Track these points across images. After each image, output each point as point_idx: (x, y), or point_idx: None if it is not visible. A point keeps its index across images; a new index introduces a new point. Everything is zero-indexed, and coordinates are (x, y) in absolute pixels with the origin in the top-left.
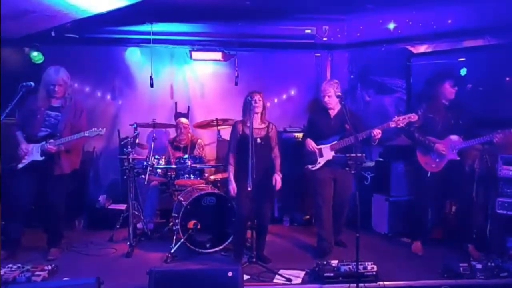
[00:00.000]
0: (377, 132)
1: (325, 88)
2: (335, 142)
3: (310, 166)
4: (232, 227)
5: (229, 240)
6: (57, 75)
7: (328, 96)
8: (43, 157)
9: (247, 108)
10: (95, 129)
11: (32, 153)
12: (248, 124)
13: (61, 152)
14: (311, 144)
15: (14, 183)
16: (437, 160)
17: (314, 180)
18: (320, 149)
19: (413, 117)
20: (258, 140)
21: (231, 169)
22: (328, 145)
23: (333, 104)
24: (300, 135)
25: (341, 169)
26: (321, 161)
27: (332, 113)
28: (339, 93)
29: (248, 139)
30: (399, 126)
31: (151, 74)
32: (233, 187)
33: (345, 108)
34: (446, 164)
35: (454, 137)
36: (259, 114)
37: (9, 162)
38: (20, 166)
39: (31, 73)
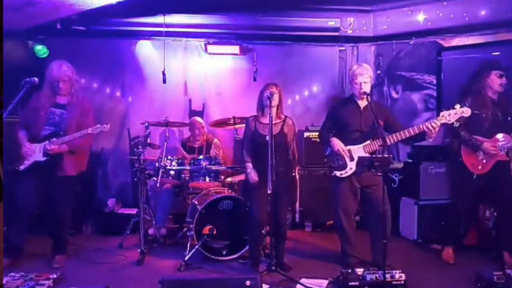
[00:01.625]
0: (434, 126)
1: (361, 72)
2: (368, 142)
3: (338, 173)
4: (249, 233)
5: (247, 247)
6: (60, 70)
7: (365, 82)
8: (46, 158)
9: (262, 102)
10: (99, 125)
11: (35, 153)
12: (262, 120)
13: (64, 153)
14: (339, 145)
15: (17, 186)
16: (484, 161)
17: (338, 188)
18: (350, 152)
19: (466, 111)
20: (267, 138)
21: (249, 165)
22: (360, 146)
23: (366, 93)
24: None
25: (371, 174)
26: (353, 166)
27: (362, 106)
28: (366, 90)
29: (262, 137)
30: (449, 123)
31: (164, 69)
32: (253, 173)
33: (372, 105)
34: (493, 165)
35: (502, 135)
36: (275, 109)
37: (11, 164)
38: (22, 167)
39: (35, 68)
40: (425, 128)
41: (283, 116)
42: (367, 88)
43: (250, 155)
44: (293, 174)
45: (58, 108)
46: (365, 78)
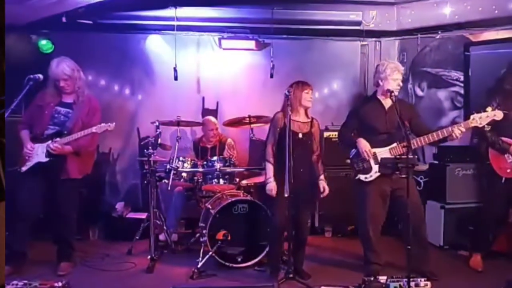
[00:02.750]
0: (459, 132)
1: (398, 67)
2: (395, 145)
3: (363, 177)
4: (267, 238)
5: (264, 253)
6: (58, 68)
7: (398, 85)
8: (49, 159)
9: (301, 101)
10: (103, 124)
11: (37, 153)
12: (294, 117)
13: (68, 154)
14: (366, 147)
15: (19, 188)
16: None
17: (364, 193)
18: (375, 154)
19: (498, 115)
20: (300, 136)
21: (270, 166)
22: (386, 149)
23: (390, 91)
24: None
25: (399, 177)
26: (378, 170)
27: (387, 105)
28: (390, 87)
29: (294, 134)
30: (480, 126)
31: (175, 66)
32: (272, 186)
33: (397, 105)
34: None
35: None
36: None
37: (13, 165)
38: (24, 169)
39: (39, 64)
40: (457, 134)
41: (310, 117)
42: (396, 87)
43: (275, 154)
44: (319, 177)
45: (63, 107)
46: (401, 74)
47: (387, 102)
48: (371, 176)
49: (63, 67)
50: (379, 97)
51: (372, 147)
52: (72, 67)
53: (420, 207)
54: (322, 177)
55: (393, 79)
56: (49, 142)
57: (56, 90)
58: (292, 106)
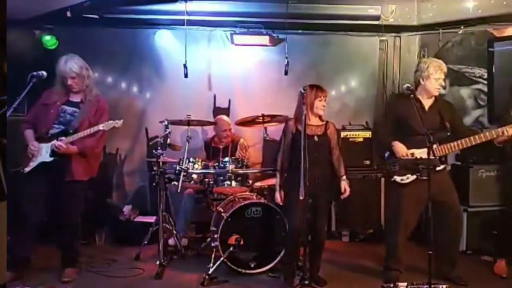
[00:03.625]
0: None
1: (440, 66)
2: (435, 146)
3: (398, 179)
4: (281, 243)
5: (278, 259)
6: (66, 66)
7: (439, 84)
8: (53, 158)
9: (313, 107)
10: (111, 121)
11: (41, 153)
12: (307, 121)
13: (72, 155)
14: (403, 150)
15: (22, 190)
16: None
17: (399, 196)
18: (413, 156)
19: None
20: (316, 138)
21: (278, 175)
22: (425, 150)
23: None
24: (361, 134)
25: (441, 178)
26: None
27: (427, 104)
28: (432, 87)
29: (309, 137)
30: None
31: (185, 62)
32: (280, 195)
33: (439, 105)
34: None
35: None
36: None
37: (16, 166)
38: (27, 169)
39: (43, 61)
40: (500, 138)
41: (325, 120)
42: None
43: (286, 161)
44: (341, 178)
45: (70, 106)
46: (443, 74)
47: (427, 101)
48: (408, 178)
49: (71, 64)
50: (419, 96)
51: (411, 147)
52: (81, 65)
53: (460, 212)
54: (344, 177)
55: (435, 79)
56: (54, 141)
57: (63, 89)
58: (301, 111)
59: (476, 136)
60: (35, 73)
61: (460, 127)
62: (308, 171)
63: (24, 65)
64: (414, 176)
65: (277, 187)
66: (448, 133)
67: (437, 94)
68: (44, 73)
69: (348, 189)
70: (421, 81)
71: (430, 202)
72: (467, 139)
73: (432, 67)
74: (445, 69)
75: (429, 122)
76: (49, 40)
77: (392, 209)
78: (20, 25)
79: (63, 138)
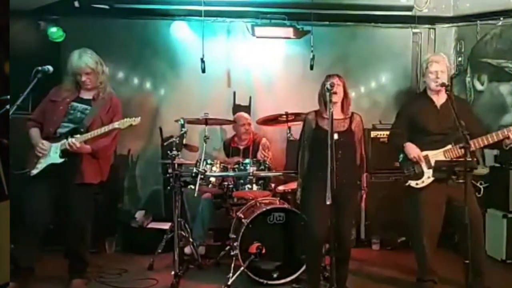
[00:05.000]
0: None
1: (436, 59)
2: (450, 147)
3: (413, 183)
4: (305, 251)
5: (303, 269)
6: (81, 60)
7: (442, 72)
8: (63, 159)
9: (325, 96)
10: (128, 119)
11: (50, 154)
12: (325, 115)
13: (83, 156)
14: (414, 151)
15: (27, 195)
16: None
17: (416, 201)
18: (427, 158)
19: None
20: (336, 136)
21: (302, 172)
22: (440, 152)
23: (442, 86)
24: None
25: (456, 183)
26: (430, 175)
27: (439, 102)
28: (444, 81)
29: (325, 134)
30: None
31: (203, 56)
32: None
33: (452, 102)
34: None
35: None
36: (339, 104)
37: (21, 168)
38: (34, 172)
39: (49, 54)
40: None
41: (349, 112)
42: (444, 78)
43: (307, 160)
44: (359, 181)
45: (81, 103)
46: (441, 66)
47: (439, 99)
48: (423, 182)
49: (86, 59)
50: (429, 94)
51: (424, 149)
52: (96, 59)
53: (479, 216)
54: (364, 185)
55: (430, 72)
56: (64, 141)
57: (74, 85)
58: (322, 104)
59: (493, 134)
60: (40, 68)
61: (474, 124)
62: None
63: (28, 59)
64: (430, 180)
65: (300, 188)
66: (466, 132)
67: (436, 89)
68: (50, 67)
69: (364, 199)
70: (426, 75)
71: (467, 208)
72: (483, 138)
73: (426, 61)
74: (443, 61)
75: (442, 122)
76: (55, 32)
77: (411, 215)
78: (24, 16)
79: (77, 135)
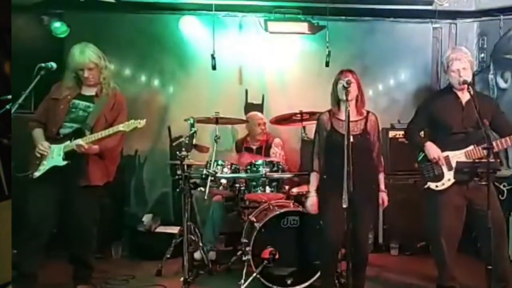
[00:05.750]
0: None
1: (457, 56)
2: (472, 147)
3: (433, 185)
4: (320, 257)
5: (317, 275)
6: (83, 56)
7: (464, 69)
8: (67, 162)
9: (337, 95)
10: (132, 121)
11: (52, 156)
12: (339, 116)
13: (89, 156)
14: (435, 151)
15: (30, 198)
16: None
17: (435, 204)
18: (448, 159)
19: None
20: (352, 139)
21: (315, 177)
22: (462, 152)
23: (466, 82)
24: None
25: (478, 185)
26: (451, 177)
27: (464, 99)
28: (466, 78)
29: (341, 137)
30: None
31: (213, 53)
32: (313, 201)
33: (475, 100)
34: None
35: None
36: (354, 102)
37: (23, 170)
38: (37, 174)
39: (52, 50)
40: None
41: (364, 112)
42: (467, 75)
43: (322, 161)
44: (375, 185)
45: (82, 100)
46: (463, 63)
47: (464, 96)
48: (443, 184)
49: (89, 54)
50: (454, 89)
51: (445, 149)
52: (99, 54)
53: (502, 220)
54: (382, 187)
55: (452, 71)
56: (68, 142)
57: (75, 81)
58: (335, 102)
59: (508, 138)
60: (43, 64)
61: (503, 124)
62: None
63: (30, 56)
64: (450, 182)
65: (312, 193)
66: (488, 132)
67: (459, 87)
68: (54, 64)
69: (386, 200)
70: (448, 73)
71: (489, 211)
72: (508, 138)
73: (447, 59)
74: (465, 57)
75: (466, 120)
76: (59, 28)
77: (430, 218)
78: (26, 11)
79: (86, 136)
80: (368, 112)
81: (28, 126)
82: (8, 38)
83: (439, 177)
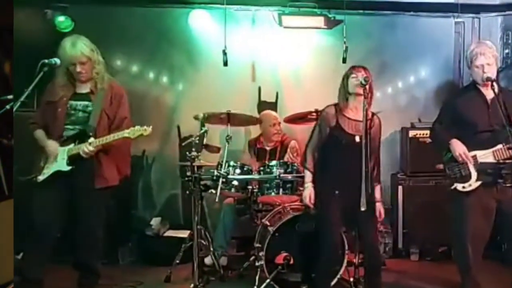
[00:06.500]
0: None
1: (482, 50)
2: (500, 146)
3: (460, 186)
4: (338, 262)
5: (335, 281)
6: (75, 49)
7: (488, 64)
8: (71, 167)
9: (348, 90)
10: (138, 127)
11: (56, 160)
12: (347, 113)
13: (101, 155)
14: (461, 148)
15: (35, 201)
16: None
17: (462, 206)
18: (475, 158)
19: None
20: (357, 139)
21: (309, 174)
22: (489, 152)
23: (490, 80)
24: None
25: (503, 187)
26: (479, 177)
27: (489, 96)
28: (490, 75)
29: (348, 136)
30: None
31: (225, 48)
32: (308, 193)
33: (499, 97)
34: None
35: None
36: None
37: (26, 172)
38: (41, 178)
39: (56, 46)
40: None
41: (370, 113)
42: (491, 72)
43: (318, 160)
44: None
45: (79, 100)
46: (488, 58)
47: (489, 92)
48: (470, 185)
49: (81, 46)
50: (478, 86)
51: (472, 149)
52: (91, 47)
53: None
54: (378, 197)
55: (476, 66)
56: (71, 145)
57: (68, 79)
58: (343, 98)
59: None
60: (46, 60)
61: None
62: (347, 180)
63: (33, 51)
64: (478, 183)
65: (308, 184)
66: None
67: (483, 83)
68: (58, 60)
69: (382, 212)
70: (472, 68)
71: None
72: None
73: (470, 54)
74: (490, 51)
75: (493, 117)
76: (63, 22)
77: (456, 222)
78: (29, 4)
79: (92, 139)
80: (373, 114)
81: (29, 128)
82: (8, 37)
83: (466, 178)
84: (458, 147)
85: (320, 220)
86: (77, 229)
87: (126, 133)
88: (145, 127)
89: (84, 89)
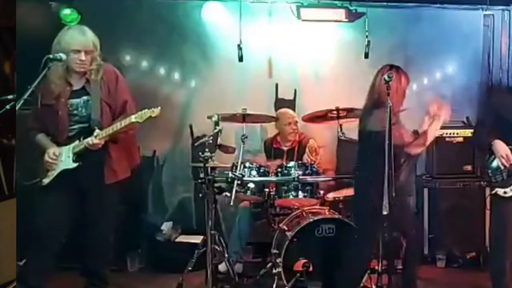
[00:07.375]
0: None
1: None
2: None
3: (501, 191)
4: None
5: None
6: (85, 37)
7: None
8: (77, 164)
9: (393, 94)
10: (146, 110)
11: (61, 159)
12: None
13: (108, 146)
14: (504, 149)
15: (39, 206)
16: None
17: (503, 213)
18: None
19: None
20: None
21: None
22: None
23: None
24: (460, 133)
25: None
26: None
27: None
28: None
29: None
30: None
31: (240, 43)
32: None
33: None
34: None
35: None
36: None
37: (31, 177)
38: (46, 181)
39: None
40: None
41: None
42: None
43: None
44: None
45: (78, 97)
46: None
47: None
48: (510, 191)
49: (90, 35)
50: None
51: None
52: (97, 38)
53: None
54: None
55: None
56: (76, 142)
57: (63, 75)
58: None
59: None
60: (51, 56)
61: None
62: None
63: (37, 46)
64: None
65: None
66: None
67: None
68: (63, 55)
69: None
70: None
71: None
72: None
73: None
74: None
75: None
76: (68, 15)
77: (495, 228)
78: None
79: (97, 131)
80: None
81: (29, 135)
82: (8, 37)
83: (508, 182)
84: (501, 148)
85: (359, 224)
86: (86, 233)
87: (133, 118)
88: (152, 108)
89: (79, 84)
